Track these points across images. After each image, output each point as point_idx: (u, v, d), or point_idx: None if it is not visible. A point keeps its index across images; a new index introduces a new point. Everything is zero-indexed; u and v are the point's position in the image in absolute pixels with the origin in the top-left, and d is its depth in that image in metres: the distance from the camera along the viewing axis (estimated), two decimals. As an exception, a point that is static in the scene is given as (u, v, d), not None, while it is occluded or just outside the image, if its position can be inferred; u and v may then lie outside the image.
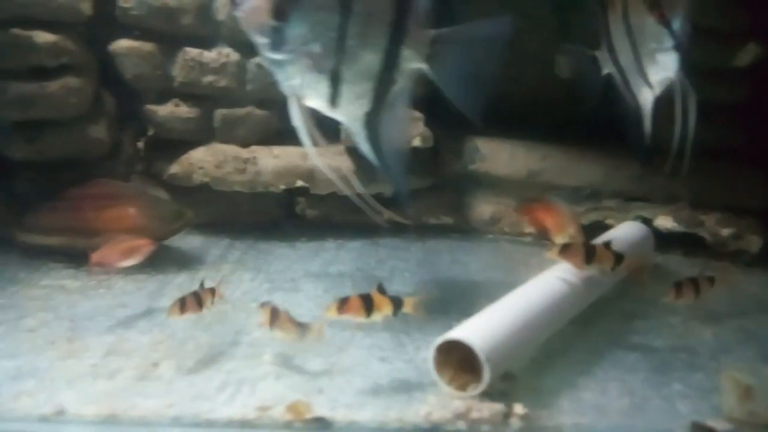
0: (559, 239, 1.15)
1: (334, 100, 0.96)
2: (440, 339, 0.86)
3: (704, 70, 1.32)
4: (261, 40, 0.91)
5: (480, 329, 0.87)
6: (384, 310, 0.91)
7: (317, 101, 0.98)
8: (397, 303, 0.92)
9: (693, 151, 1.19)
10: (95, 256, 1.09)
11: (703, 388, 0.91)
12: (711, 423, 0.81)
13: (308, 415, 0.80)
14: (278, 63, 0.91)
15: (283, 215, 1.48)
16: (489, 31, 0.98)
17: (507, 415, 0.81)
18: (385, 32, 0.93)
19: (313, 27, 0.90)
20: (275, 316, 0.93)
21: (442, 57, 0.97)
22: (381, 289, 0.92)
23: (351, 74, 0.94)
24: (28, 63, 1.23)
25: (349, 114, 0.99)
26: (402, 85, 0.99)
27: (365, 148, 1.02)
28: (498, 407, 0.81)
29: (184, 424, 0.79)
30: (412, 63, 0.97)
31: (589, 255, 1.01)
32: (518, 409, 0.82)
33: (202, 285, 1.01)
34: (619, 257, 1.04)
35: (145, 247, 1.12)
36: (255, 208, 1.45)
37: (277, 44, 0.90)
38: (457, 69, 0.98)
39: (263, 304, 0.95)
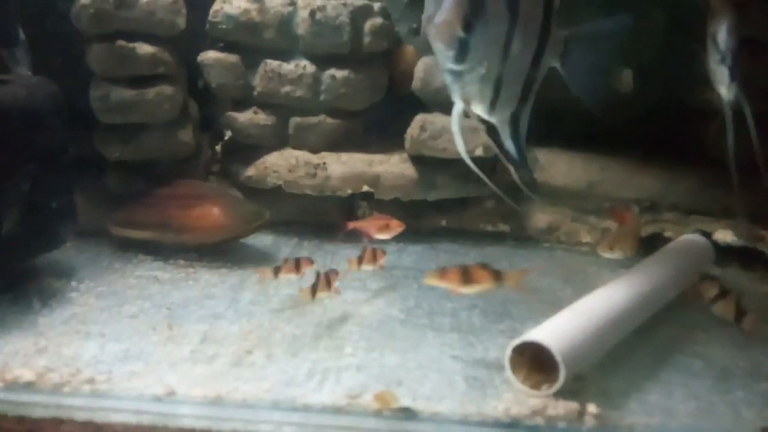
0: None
1: (494, 104, 1.02)
2: (518, 339, 0.91)
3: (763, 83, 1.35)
4: (447, 53, 0.94)
5: (555, 332, 0.92)
6: (485, 283, 0.95)
7: (481, 107, 1.04)
8: (497, 276, 0.95)
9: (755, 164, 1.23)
10: (353, 224, 1.24)
11: (767, 396, 0.94)
12: (779, 430, 0.84)
13: (395, 405, 0.87)
14: (458, 74, 0.96)
15: (346, 217, 1.56)
16: (611, 28, 1.05)
17: (581, 414, 0.86)
18: (536, 36, 1.00)
19: (490, 37, 0.95)
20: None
21: (572, 55, 1.04)
22: (483, 264, 0.97)
23: (509, 78, 1.00)
24: (130, 72, 1.35)
25: (503, 116, 1.05)
26: (539, 83, 1.06)
27: (509, 144, 1.08)
28: (572, 406, 0.87)
29: (283, 408, 0.87)
30: (550, 62, 1.04)
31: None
32: (591, 408, 0.87)
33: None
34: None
35: (398, 227, 1.25)
36: (320, 210, 1.54)
37: (461, 56, 0.95)
38: (584, 65, 1.05)
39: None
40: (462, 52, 0.93)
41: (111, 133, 1.39)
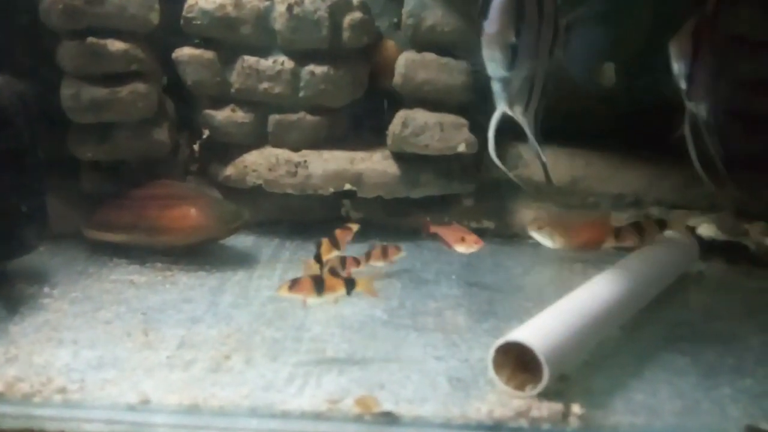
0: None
1: (528, 106, 1.04)
2: (501, 340, 0.90)
3: (750, 81, 1.35)
4: (502, 61, 0.97)
5: (539, 331, 0.91)
6: (337, 290, 0.99)
7: (519, 109, 1.05)
8: (350, 283, 1.00)
9: (739, 160, 1.24)
10: (435, 228, 1.22)
11: (753, 393, 0.93)
12: (765, 426, 0.84)
13: (376, 410, 0.85)
14: (507, 80, 0.99)
15: (328, 216, 1.53)
16: (599, 8, 1.12)
17: (565, 415, 0.85)
18: (551, 32, 1.04)
19: (531, 41, 0.98)
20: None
21: (571, 41, 1.10)
22: (333, 272, 1.03)
23: (538, 77, 1.04)
24: (102, 70, 1.31)
25: (530, 115, 1.08)
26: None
27: (533, 140, 1.11)
28: (556, 407, 0.85)
29: (260, 415, 0.84)
30: (559, 54, 1.08)
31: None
32: (576, 408, 0.85)
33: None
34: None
35: (475, 243, 1.23)
36: (302, 210, 1.51)
37: (513, 62, 0.97)
38: (579, 48, 1.12)
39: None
40: (514, 58, 0.94)
41: (83, 133, 1.35)
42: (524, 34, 0.95)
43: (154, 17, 1.34)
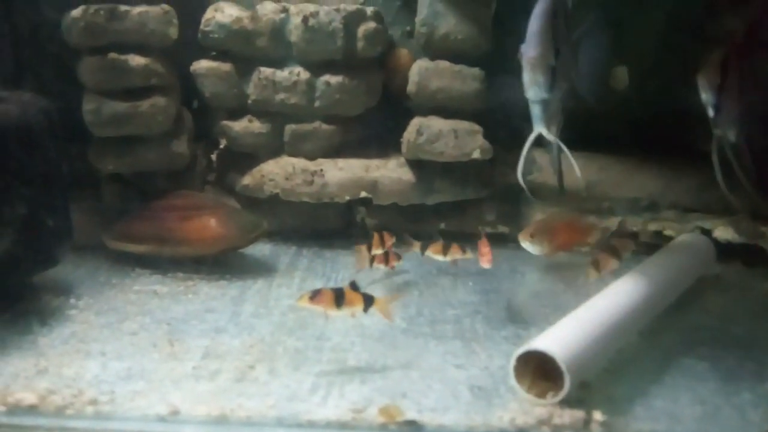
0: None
1: (558, 125, 1.07)
2: (522, 349, 0.91)
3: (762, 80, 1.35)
4: (541, 82, 1.00)
5: (559, 339, 0.91)
6: (355, 305, 1.01)
7: (553, 129, 1.09)
8: (368, 300, 1.02)
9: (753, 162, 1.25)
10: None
11: (773, 398, 0.94)
12: (786, 433, 0.84)
13: (400, 418, 0.86)
14: (546, 102, 1.01)
15: (344, 224, 1.55)
16: (593, 26, 1.15)
17: (587, 422, 0.86)
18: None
19: (564, 61, 1.02)
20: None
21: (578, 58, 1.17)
22: (354, 286, 1.03)
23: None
24: (123, 85, 1.33)
25: (556, 132, 1.11)
26: None
27: (570, 156, 1.14)
28: (578, 414, 0.86)
29: (287, 425, 0.86)
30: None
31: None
32: (597, 416, 0.86)
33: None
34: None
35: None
36: (318, 217, 1.53)
37: (551, 84, 1.00)
38: (583, 63, 1.18)
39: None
40: (553, 81, 0.96)
41: (105, 147, 1.38)
42: (561, 56, 0.97)
43: (173, 32, 1.37)
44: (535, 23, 0.99)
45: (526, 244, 1.31)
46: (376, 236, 1.29)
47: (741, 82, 1.22)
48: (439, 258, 1.32)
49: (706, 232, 1.40)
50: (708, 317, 1.19)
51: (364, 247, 1.28)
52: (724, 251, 1.39)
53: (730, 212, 1.41)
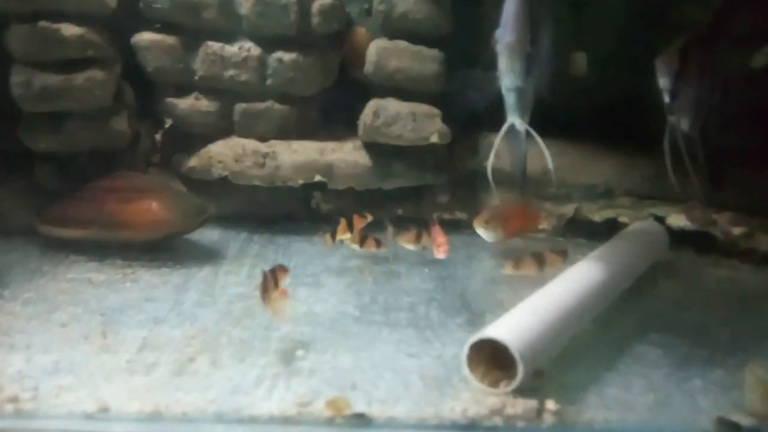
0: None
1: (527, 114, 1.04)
2: (474, 337, 0.88)
3: (723, 72, 1.36)
4: (518, 70, 0.96)
5: (513, 327, 0.89)
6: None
7: (526, 118, 1.05)
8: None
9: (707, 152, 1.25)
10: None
11: (723, 384, 0.94)
12: (735, 418, 0.84)
13: (348, 411, 0.82)
14: (522, 90, 0.97)
15: (298, 209, 1.49)
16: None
17: (540, 411, 0.83)
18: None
19: (540, 49, 0.98)
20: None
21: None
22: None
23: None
24: (56, 56, 1.23)
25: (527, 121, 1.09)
26: None
27: (544, 147, 1.13)
28: (531, 404, 0.84)
29: (227, 421, 0.81)
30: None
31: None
32: (550, 405, 0.84)
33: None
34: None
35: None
36: (271, 202, 1.46)
37: (527, 72, 0.95)
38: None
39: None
40: (530, 67, 0.90)
41: (37, 123, 1.28)
42: (538, 43, 0.93)
43: (112, 0, 1.27)
44: (510, 7, 0.94)
45: (480, 231, 1.29)
46: (343, 221, 1.26)
47: (699, 71, 1.22)
48: (411, 247, 1.29)
49: (660, 220, 1.41)
50: (661, 304, 1.19)
51: (328, 236, 1.26)
52: (677, 238, 1.40)
53: (683, 200, 1.42)
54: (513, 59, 0.95)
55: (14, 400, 0.82)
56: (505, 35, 0.94)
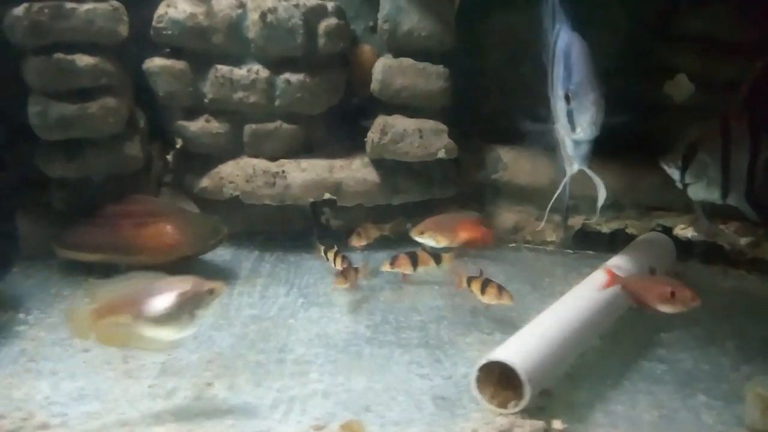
0: None
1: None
2: (482, 360, 0.90)
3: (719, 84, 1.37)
4: (598, 122, 1.00)
5: (520, 348, 0.91)
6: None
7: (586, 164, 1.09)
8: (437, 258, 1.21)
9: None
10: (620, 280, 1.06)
11: (727, 399, 0.96)
12: (737, 435, 0.86)
13: (362, 434, 0.85)
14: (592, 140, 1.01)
15: (308, 227, 1.52)
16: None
17: (547, 431, 0.86)
18: None
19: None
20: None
21: None
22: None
23: None
24: (70, 85, 1.26)
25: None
26: None
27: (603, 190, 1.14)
28: (538, 424, 0.86)
29: (246, 445, 0.84)
30: None
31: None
32: (557, 424, 0.87)
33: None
34: None
35: (693, 300, 1.00)
36: (282, 220, 1.49)
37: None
38: None
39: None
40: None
41: (53, 150, 1.31)
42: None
43: (123, 29, 1.30)
44: (583, 65, 0.97)
45: (418, 239, 1.32)
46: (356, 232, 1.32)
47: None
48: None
49: (667, 230, 1.42)
50: (667, 317, 1.20)
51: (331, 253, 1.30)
52: (685, 249, 1.41)
53: (690, 210, 1.43)
54: (597, 114, 0.98)
55: (45, 426, 0.86)
56: (587, 91, 0.96)
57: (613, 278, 1.06)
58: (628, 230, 1.45)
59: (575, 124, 1.00)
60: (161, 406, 0.91)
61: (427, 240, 1.31)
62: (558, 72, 1.04)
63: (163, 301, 0.86)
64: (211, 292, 0.88)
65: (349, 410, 0.91)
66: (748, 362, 1.07)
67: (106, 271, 1.26)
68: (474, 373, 0.91)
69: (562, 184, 1.12)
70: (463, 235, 1.31)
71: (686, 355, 1.08)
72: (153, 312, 0.86)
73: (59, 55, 1.25)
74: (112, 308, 0.86)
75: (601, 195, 1.11)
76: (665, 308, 1.00)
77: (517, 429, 0.86)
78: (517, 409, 0.88)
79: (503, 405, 0.90)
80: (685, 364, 1.05)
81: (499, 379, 0.92)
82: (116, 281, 0.88)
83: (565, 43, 1.03)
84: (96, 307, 0.86)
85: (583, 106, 0.97)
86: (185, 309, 0.87)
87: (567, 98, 1.00)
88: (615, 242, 1.42)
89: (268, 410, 0.91)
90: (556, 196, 1.14)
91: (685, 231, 1.41)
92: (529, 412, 0.89)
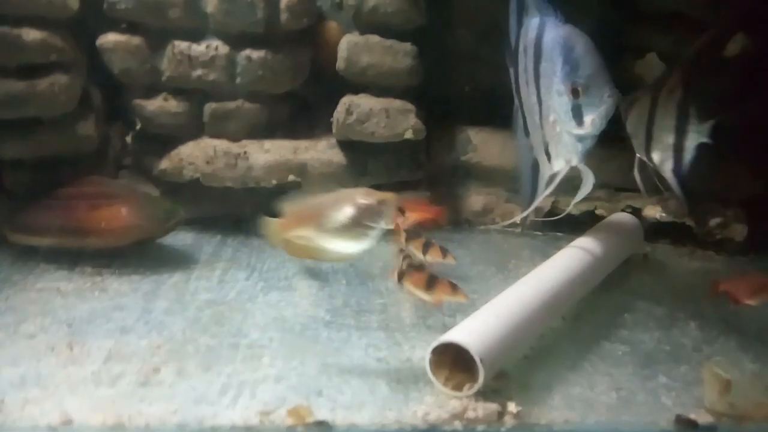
0: None
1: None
2: (436, 342, 0.88)
3: (694, 63, 1.34)
4: (608, 116, 0.97)
5: (475, 330, 0.89)
6: None
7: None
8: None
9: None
10: (724, 285, 1.07)
11: (687, 381, 0.95)
12: (693, 416, 0.85)
13: (309, 420, 0.82)
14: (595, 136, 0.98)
15: (272, 210, 1.48)
16: None
17: (501, 414, 0.84)
18: None
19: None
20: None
21: None
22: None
23: None
24: (18, 61, 1.21)
25: None
26: None
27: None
28: (492, 406, 0.84)
29: (189, 431, 0.81)
30: None
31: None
32: (511, 407, 0.85)
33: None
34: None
35: None
36: (244, 203, 1.45)
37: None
38: None
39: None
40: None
41: (2, 130, 1.26)
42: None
43: (74, 3, 1.25)
44: (592, 58, 0.94)
45: None
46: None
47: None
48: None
49: (636, 211, 1.41)
50: (632, 298, 1.19)
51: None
52: (653, 230, 1.40)
53: (659, 191, 1.41)
54: (609, 108, 0.95)
55: (-21, 414, 0.83)
56: (601, 84, 0.93)
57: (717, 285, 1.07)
58: (598, 211, 1.43)
59: (583, 118, 0.96)
60: (103, 392, 0.88)
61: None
62: (550, 67, 0.99)
63: (338, 214, 0.87)
64: (381, 203, 0.87)
65: (300, 395, 0.88)
66: (709, 343, 1.05)
67: (60, 255, 1.23)
68: (428, 355, 0.89)
69: (555, 180, 1.07)
70: (413, 216, 1.28)
71: (648, 336, 1.07)
72: (330, 224, 0.88)
73: (5, 29, 1.19)
74: (297, 221, 0.90)
75: (586, 189, 1.08)
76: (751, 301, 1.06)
77: (470, 412, 0.84)
78: (471, 392, 0.86)
79: (459, 388, 0.88)
80: (646, 346, 1.04)
81: (455, 362, 0.90)
82: (306, 194, 0.92)
83: (560, 37, 0.97)
84: (283, 221, 0.91)
85: (596, 99, 0.94)
86: (359, 222, 0.88)
87: (575, 92, 0.96)
88: (583, 224, 1.40)
89: (216, 396, 0.88)
90: (547, 192, 1.09)
91: (653, 212, 1.39)
92: (483, 395, 0.87)
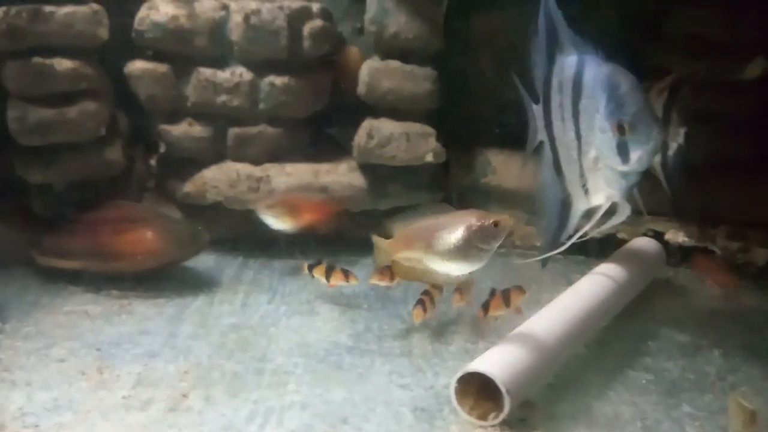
0: None
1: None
2: (461, 371, 0.88)
3: (712, 84, 1.34)
4: (653, 156, 0.97)
5: (500, 359, 0.89)
6: None
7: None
8: None
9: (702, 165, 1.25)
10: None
11: (711, 410, 0.94)
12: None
13: (337, 449, 0.83)
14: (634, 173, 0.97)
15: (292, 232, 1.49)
16: None
17: (527, 445, 0.84)
18: None
19: None
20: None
21: None
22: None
23: None
24: (49, 90, 1.24)
25: None
26: None
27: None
28: (518, 437, 0.85)
29: (218, 459, 0.82)
30: None
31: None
32: (537, 438, 0.85)
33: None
34: None
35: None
36: (266, 226, 1.46)
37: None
38: None
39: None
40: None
41: (32, 156, 1.29)
42: None
43: (103, 33, 1.28)
44: (638, 97, 0.94)
45: (263, 216, 1.29)
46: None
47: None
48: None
49: (659, 235, 1.40)
50: (655, 324, 1.19)
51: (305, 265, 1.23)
52: (675, 254, 1.39)
53: (681, 215, 1.41)
54: (656, 147, 0.95)
55: (15, 439, 0.84)
56: (649, 122, 0.93)
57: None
58: (620, 235, 1.43)
59: (629, 155, 0.96)
60: (134, 417, 0.89)
61: (273, 219, 1.28)
62: (592, 104, 0.98)
63: (450, 236, 0.87)
64: (496, 225, 0.87)
65: (326, 422, 0.89)
66: (733, 371, 1.05)
67: (86, 278, 1.26)
68: (453, 383, 0.89)
69: (597, 214, 1.05)
70: (307, 217, 1.27)
71: (672, 364, 1.06)
72: (441, 247, 0.87)
73: (37, 60, 1.23)
74: (407, 243, 0.90)
75: (619, 219, 1.07)
76: None
77: (496, 442, 0.84)
78: (496, 421, 0.87)
79: (483, 417, 0.88)
80: (671, 374, 1.04)
81: (480, 390, 0.90)
82: (417, 215, 0.92)
83: (603, 74, 0.97)
84: (394, 241, 0.91)
85: (643, 137, 0.95)
86: (472, 243, 0.87)
87: (620, 129, 0.97)
88: (606, 247, 1.40)
89: (243, 422, 0.89)
90: (588, 227, 1.07)
91: (676, 236, 1.39)
92: (509, 424, 0.87)
